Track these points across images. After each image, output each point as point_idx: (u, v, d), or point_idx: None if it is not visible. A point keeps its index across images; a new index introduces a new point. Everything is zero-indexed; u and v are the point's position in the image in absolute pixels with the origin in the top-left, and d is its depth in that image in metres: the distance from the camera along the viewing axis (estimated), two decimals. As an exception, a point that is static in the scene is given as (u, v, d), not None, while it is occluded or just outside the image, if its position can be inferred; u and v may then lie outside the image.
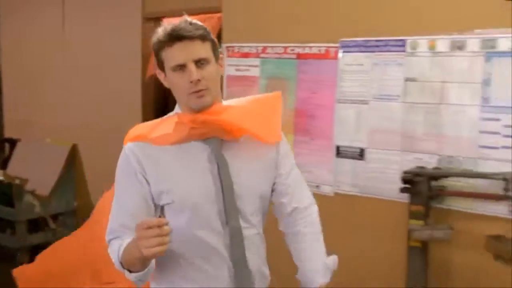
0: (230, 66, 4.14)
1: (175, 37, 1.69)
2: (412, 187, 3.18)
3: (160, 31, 1.73)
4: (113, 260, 1.75)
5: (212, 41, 1.77)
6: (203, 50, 1.71)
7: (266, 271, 1.93)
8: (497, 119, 3.09)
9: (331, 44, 3.66)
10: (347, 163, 3.64)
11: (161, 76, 1.81)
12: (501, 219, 3.04)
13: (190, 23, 1.73)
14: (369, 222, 3.55)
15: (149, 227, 1.48)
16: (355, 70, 3.58)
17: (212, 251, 1.77)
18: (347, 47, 3.60)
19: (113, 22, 5.23)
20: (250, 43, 4.03)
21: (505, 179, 2.98)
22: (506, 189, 2.99)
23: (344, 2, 3.60)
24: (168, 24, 1.73)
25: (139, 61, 4.95)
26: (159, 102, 5.00)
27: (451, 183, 3.18)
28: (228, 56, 4.15)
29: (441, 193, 3.17)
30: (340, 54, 3.63)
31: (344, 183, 3.66)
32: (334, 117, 3.68)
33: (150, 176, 1.75)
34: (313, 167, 3.76)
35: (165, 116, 1.86)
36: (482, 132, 3.14)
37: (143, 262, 1.62)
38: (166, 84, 1.80)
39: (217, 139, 1.78)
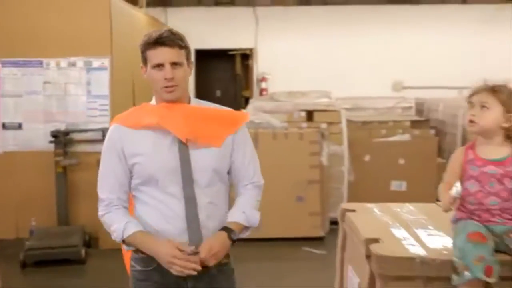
0: None
1: (159, 43, 2.20)
2: (56, 139, 6.08)
3: (148, 36, 2.24)
4: (110, 230, 2.28)
5: (187, 49, 2.27)
6: (178, 55, 2.21)
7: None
8: (95, 101, 6.26)
9: (-6, 61, 6.25)
10: (11, 132, 6.27)
11: (142, 70, 2.30)
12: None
13: (173, 33, 2.23)
14: (24, 166, 6.26)
15: (185, 256, 2.12)
16: (12, 77, 6.25)
17: (173, 214, 2.24)
18: (5, 64, 6.24)
19: None
20: None
21: (102, 130, 6.17)
22: (103, 136, 6.18)
23: (2, 34, 6.21)
24: (155, 31, 2.24)
25: None
26: None
27: (77, 136, 6.20)
28: None
29: (72, 141, 6.17)
30: (1, 67, 6.25)
31: (10, 145, 6.29)
32: (0, 105, 6.26)
33: (126, 152, 2.26)
34: (-13, 137, 6.27)
35: (141, 105, 2.40)
36: (88, 108, 6.25)
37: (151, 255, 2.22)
38: (145, 76, 2.28)
39: None
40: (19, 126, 6.31)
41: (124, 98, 6.79)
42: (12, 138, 6.31)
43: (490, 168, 2.21)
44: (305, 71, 9.34)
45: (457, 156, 2.29)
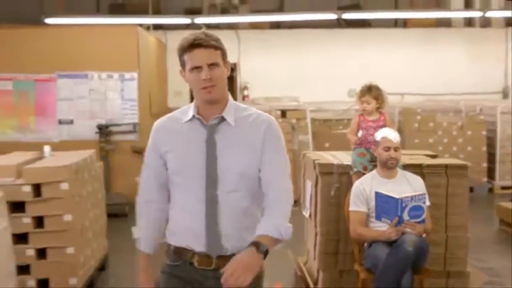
0: (-6, 85, 8.78)
1: (195, 45, 2.36)
2: (100, 131, 8.65)
3: (184, 40, 2.40)
4: (137, 225, 2.59)
5: (222, 49, 2.42)
6: (214, 56, 2.37)
7: (245, 241, 2.35)
8: (127, 103, 8.87)
9: (52, 74, 8.79)
10: (65, 126, 8.82)
11: (182, 74, 2.47)
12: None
13: (207, 35, 2.38)
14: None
15: None
16: (65, 86, 8.81)
17: (196, 211, 2.41)
18: (61, 76, 8.80)
19: None
20: (5, 74, 8.76)
21: (133, 124, 8.76)
22: (134, 129, 8.77)
23: (58, 54, 8.77)
24: (190, 34, 2.41)
25: None
26: None
27: (114, 129, 8.78)
28: (-8, 80, 8.78)
29: (111, 132, 8.74)
30: (56, 79, 8.80)
31: (64, 136, 8.81)
32: (57, 106, 8.81)
33: (161, 146, 2.52)
34: (46, 128, 8.80)
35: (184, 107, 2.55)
36: (122, 109, 8.86)
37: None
38: (185, 79, 2.45)
39: (214, 124, 2.44)
40: (71, 122, 8.88)
41: (145, 100, 9.42)
42: (66, 130, 8.86)
43: (371, 124, 4.91)
44: (279, 81, 12.00)
45: (355, 120, 4.99)
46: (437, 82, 12.05)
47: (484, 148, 9.55)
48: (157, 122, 2.58)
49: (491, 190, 9.48)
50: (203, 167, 2.41)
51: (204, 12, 12.49)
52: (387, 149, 4.34)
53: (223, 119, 2.46)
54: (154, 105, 10.31)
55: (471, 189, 9.43)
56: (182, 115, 2.52)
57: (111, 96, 8.92)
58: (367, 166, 4.76)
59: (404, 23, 12.74)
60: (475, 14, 11.56)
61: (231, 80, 13.46)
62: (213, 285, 2.42)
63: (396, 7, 12.88)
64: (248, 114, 2.52)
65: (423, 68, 12.20)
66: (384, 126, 4.87)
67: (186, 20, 11.08)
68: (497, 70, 12.29)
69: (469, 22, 12.58)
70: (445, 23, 12.59)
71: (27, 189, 4.64)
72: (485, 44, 12.30)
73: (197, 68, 2.37)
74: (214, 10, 12.53)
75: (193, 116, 2.47)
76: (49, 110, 8.88)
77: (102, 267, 5.81)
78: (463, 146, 9.52)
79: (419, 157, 5.23)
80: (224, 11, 12.51)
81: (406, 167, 4.70)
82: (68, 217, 4.77)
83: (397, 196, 4.02)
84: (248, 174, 2.44)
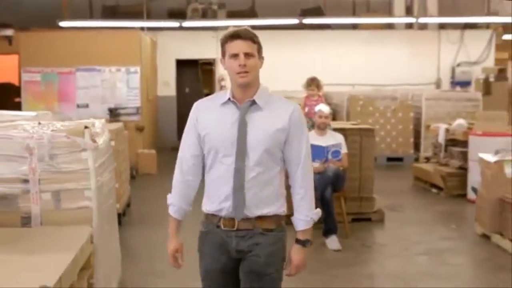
0: (26, 76, 11.34)
1: (235, 36, 2.80)
2: (111, 113, 11.30)
3: (227, 32, 2.82)
4: (172, 193, 3.03)
5: (259, 44, 2.86)
6: (251, 47, 2.80)
7: (265, 208, 2.86)
8: (132, 91, 11.53)
9: (72, 68, 11.42)
10: (82, 109, 11.45)
11: (222, 62, 2.87)
12: (136, 120, 11.50)
13: (247, 30, 2.83)
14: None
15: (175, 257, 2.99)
16: (83, 77, 11.45)
17: (225, 180, 2.84)
18: (79, 70, 11.43)
19: None
20: (35, 67, 11.35)
21: (136, 108, 11.42)
22: (137, 111, 11.44)
23: (76, 52, 11.38)
24: (233, 28, 2.84)
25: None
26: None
27: (122, 111, 11.44)
28: (25, 72, 11.34)
29: (119, 114, 11.40)
30: (75, 72, 11.42)
31: (82, 117, 11.41)
32: (76, 93, 11.45)
33: (199, 124, 2.90)
34: (68, 111, 11.42)
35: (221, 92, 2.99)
36: (127, 95, 11.54)
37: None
38: (224, 67, 2.86)
39: (246, 106, 2.82)
40: (87, 106, 11.52)
41: (145, 89, 12.10)
42: (83, 112, 11.47)
43: (313, 102, 7.73)
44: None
45: (303, 100, 7.83)
46: (382, 75, 14.93)
47: (411, 127, 12.43)
48: (197, 103, 3.00)
49: (416, 159, 12.34)
50: (234, 143, 2.81)
51: (187, 14, 15.11)
52: (320, 117, 7.11)
53: (254, 103, 2.86)
54: (150, 93, 13.01)
55: (401, 159, 12.41)
56: (219, 98, 2.92)
57: (118, 85, 11.59)
58: (309, 129, 7.53)
59: (356, 26, 15.61)
60: (412, 20, 14.45)
61: (211, 73, 16.18)
62: (235, 244, 2.91)
63: (354, 12, 15.75)
64: (277, 100, 2.94)
65: (371, 63, 15.08)
66: (321, 103, 7.66)
67: (175, 24, 13.75)
68: (431, 65, 15.26)
69: (410, 26, 15.48)
70: (390, 26, 15.48)
71: (88, 144, 7.31)
72: (422, 43, 15.23)
73: (235, 56, 2.79)
74: (196, 13, 15.16)
75: (229, 99, 2.87)
76: (69, 96, 11.53)
77: (128, 204, 8.48)
78: (395, 125, 12.40)
79: (346, 125, 8.04)
80: (205, 14, 15.15)
81: (335, 130, 7.46)
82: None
83: (324, 145, 6.80)
84: (272, 151, 2.86)
